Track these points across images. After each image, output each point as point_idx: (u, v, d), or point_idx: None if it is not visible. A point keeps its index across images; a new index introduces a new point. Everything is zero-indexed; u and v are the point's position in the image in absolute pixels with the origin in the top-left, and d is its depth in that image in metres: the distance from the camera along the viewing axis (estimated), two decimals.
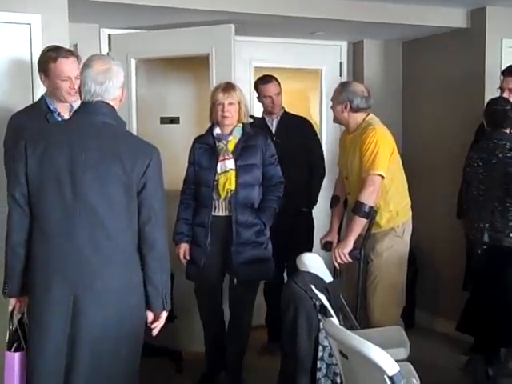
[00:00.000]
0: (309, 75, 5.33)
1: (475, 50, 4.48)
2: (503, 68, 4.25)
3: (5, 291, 2.48)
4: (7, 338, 2.49)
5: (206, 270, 3.56)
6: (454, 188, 4.36)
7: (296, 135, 4.24)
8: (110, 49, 4.33)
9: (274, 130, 4.28)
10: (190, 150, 3.66)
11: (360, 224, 3.42)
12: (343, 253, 3.43)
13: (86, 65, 2.44)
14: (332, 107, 3.63)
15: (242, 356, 3.76)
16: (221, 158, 3.50)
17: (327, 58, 5.07)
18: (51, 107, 2.95)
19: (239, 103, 3.55)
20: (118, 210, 2.34)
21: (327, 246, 3.75)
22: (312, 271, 3.03)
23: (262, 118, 4.33)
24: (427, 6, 4.38)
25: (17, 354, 2.45)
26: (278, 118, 4.31)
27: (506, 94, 3.94)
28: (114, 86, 2.40)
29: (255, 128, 3.76)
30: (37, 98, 3.22)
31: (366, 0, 4.23)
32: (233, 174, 3.47)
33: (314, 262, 3.22)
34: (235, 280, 3.59)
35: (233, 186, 3.47)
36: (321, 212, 4.46)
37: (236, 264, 3.51)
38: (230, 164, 3.48)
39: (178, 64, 4.52)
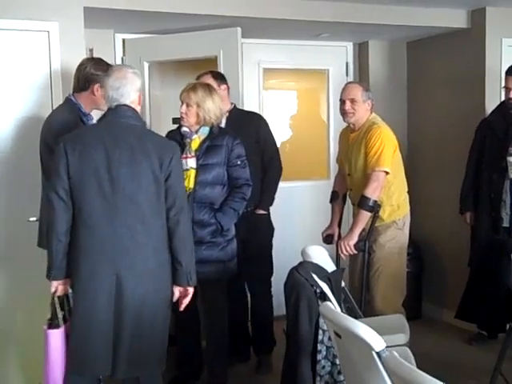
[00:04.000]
0: (316, 75, 5.47)
1: (476, 50, 4.61)
2: (503, 66, 4.38)
3: (49, 275, 2.76)
4: (48, 318, 2.78)
5: None
6: (457, 183, 4.51)
7: (247, 131, 3.93)
8: (124, 53, 4.52)
9: (223, 126, 3.94)
10: None
11: (365, 217, 3.60)
12: (349, 245, 3.60)
13: (107, 75, 2.77)
14: (354, 106, 3.68)
15: (218, 361, 3.63)
16: (183, 155, 3.44)
17: (334, 59, 5.19)
18: (83, 110, 3.16)
19: (197, 106, 3.48)
20: (149, 199, 2.69)
21: (328, 239, 3.94)
22: (315, 262, 3.20)
23: None
24: (429, 8, 4.50)
25: (56, 331, 2.75)
26: (227, 113, 3.99)
27: None
28: (129, 90, 2.73)
29: (225, 129, 3.71)
30: (56, 103, 3.40)
31: (369, 2, 4.35)
32: (192, 172, 3.45)
33: (317, 254, 3.38)
34: None
35: (191, 185, 3.45)
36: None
37: None
38: (191, 163, 3.46)
39: (190, 66, 4.69)
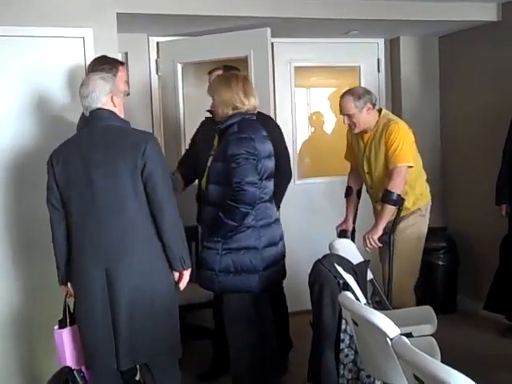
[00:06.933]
0: (347, 72, 5.51)
1: (507, 43, 4.59)
2: None
3: (59, 280, 2.94)
4: (60, 319, 2.96)
5: None
6: (491, 176, 4.50)
7: None
8: (158, 55, 4.66)
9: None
10: None
11: (389, 211, 3.67)
12: (373, 238, 3.67)
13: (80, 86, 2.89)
14: (352, 120, 3.72)
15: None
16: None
17: (365, 55, 5.23)
18: None
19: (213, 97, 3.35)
20: (128, 193, 2.74)
21: (342, 234, 4.01)
22: (342, 254, 3.28)
23: None
24: (459, 2, 4.49)
25: (60, 331, 2.94)
26: None
27: None
28: (98, 95, 2.83)
29: (239, 123, 3.25)
30: None
31: None
32: (207, 171, 3.36)
33: (344, 247, 3.48)
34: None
35: (204, 184, 3.39)
36: None
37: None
38: (210, 161, 3.37)
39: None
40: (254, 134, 3.23)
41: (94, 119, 2.85)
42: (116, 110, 2.88)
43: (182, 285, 2.89)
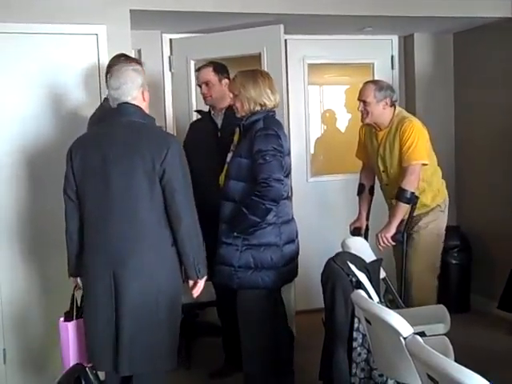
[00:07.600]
0: (361, 69, 5.47)
1: None
2: None
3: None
4: (66, 311, 2.95)
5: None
6: (506, 175, 4.47)
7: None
8: (171, 52, 4.66)
9: (219, 126, 3.84)
10: None
11: (403, 209, 3.66)
12: (386, 237, 3.65)
13: (109, 76, 2.82)
14: (366, 107, 3.74)
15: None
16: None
17: (379, 52, 5.19)
18: None
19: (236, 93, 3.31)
20: (142, 195, 2.66)
21: (356, 232, 3.99)
22: (355, 252, 3.27)
23: (208, 112, 3.95)
24: None
25: (69, 324, 2.91)
26: (223, 111, 3.81)
27: None
28: (129, 88, 2.74)
29: (264, 119, 3.23)
30: None
31: None
32: (227, 167, 3.32)
33: (357, 244, 3.47)
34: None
35: (222, 180, 3.33)
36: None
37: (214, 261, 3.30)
38: (229, 157, 3.33)
39: (236, 63, 4.79)
40: (279, 130, 3.24)
41: (118, 113, 2.76)
42: (144, 105, 2.81)
43: (196, 293, 2.83)
